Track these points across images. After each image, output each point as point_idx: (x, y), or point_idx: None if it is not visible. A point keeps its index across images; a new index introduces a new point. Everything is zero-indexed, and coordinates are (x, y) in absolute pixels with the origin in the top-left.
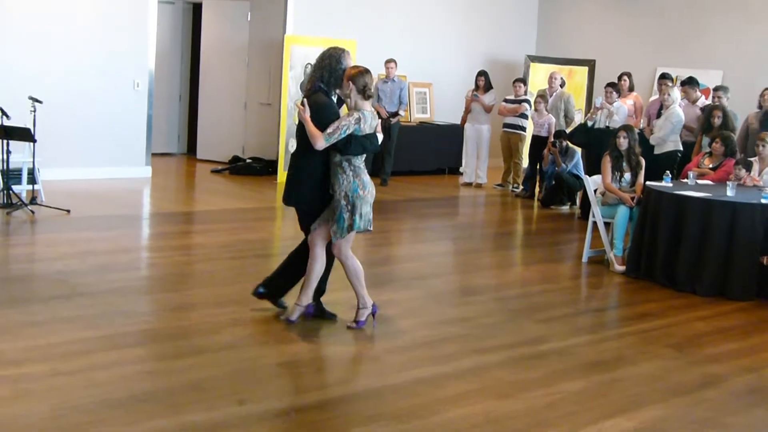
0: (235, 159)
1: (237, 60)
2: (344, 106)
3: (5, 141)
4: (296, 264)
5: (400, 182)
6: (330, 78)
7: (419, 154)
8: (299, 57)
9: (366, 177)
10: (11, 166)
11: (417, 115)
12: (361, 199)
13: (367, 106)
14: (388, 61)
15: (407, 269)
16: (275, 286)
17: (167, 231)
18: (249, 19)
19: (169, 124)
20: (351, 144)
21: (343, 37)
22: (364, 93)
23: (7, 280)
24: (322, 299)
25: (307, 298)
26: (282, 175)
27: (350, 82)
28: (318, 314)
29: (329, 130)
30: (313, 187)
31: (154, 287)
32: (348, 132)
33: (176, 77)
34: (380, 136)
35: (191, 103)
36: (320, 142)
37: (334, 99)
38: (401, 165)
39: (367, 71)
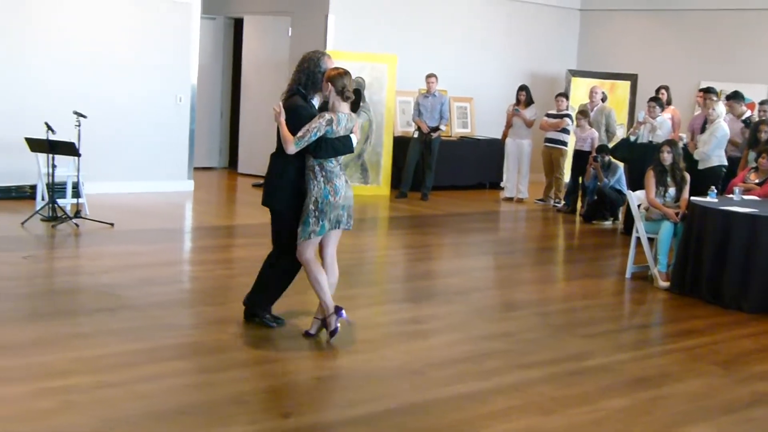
0: None
1: (278, 75)
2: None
3: (51, 155)
4: (266, 274)
5: (441, 197)
6: (308, 81)
7: (460, 168)
8: None
9: (339, 181)
10: (56, 180)
11: (458, 130)
12: (331, 206)
13: (345, 108)
14: (428, 76)
15: (449, 284)
16: (252, 303)
17: (209, 245)
18: (290, 34)
19: (210, 138)
20: (321, 147)
21: (383, 51)
22: (343, 95)
23: (53, 292)
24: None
25: (326, 309)
26: None
27: (329, 84)
28: (266, 322)
29: (300, 134)
30: (287, 190)
31: (196, 300)
32: (318, 135)
33: (218, 92)
34: (355, 138)
35: (232, 118)
36: (290, 146)
37: (316, 103)
38: (442, 180)
39: (346, 73)
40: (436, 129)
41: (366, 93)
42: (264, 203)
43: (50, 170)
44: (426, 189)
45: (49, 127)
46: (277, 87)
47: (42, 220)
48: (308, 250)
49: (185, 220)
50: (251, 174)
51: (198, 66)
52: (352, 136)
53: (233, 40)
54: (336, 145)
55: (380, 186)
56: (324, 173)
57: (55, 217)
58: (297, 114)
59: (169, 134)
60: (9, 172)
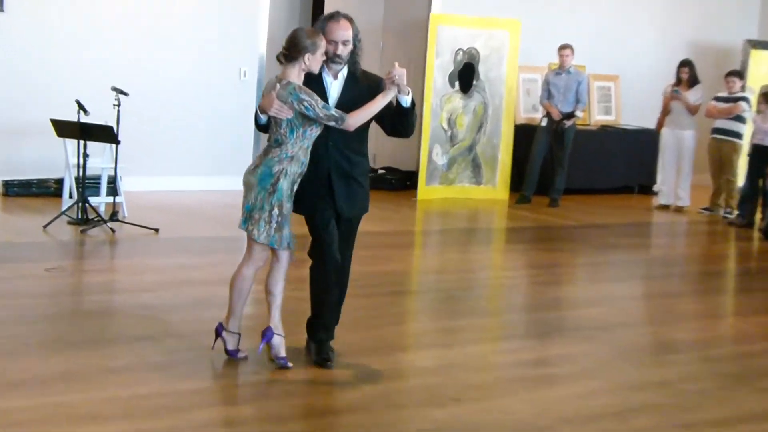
0: None
1: (368, 45)
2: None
3: (82, 142)
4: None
5: (575, 203)
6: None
7: (600, 167)
8: (448, 41)
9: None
10: (88, 173)
11: (598, 117)
12: None
13: (284, 74)
14: (562, 48)
15: (585, 316)
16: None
17: None
18: None
19: None
20: None
21: (503, 15)
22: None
23: (83, 314)
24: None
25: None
26: (425, 190)
27: None
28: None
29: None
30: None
31: (260, 329)
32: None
33: None
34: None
35: None
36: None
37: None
38: (577, 181)
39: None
40: (571, 115)
41: (480, 68)
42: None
43: (81, 161)
44: (556, 193)
45: (81, 107)
46: (367, 60)
47: (69, 223)
48: None
49: None
50: None
51: (267, 33)
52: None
53: (312, 1)
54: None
55: (496, 188)
56: None
57: (85, 220)
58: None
59: (229, 118)
60: (30, 162)
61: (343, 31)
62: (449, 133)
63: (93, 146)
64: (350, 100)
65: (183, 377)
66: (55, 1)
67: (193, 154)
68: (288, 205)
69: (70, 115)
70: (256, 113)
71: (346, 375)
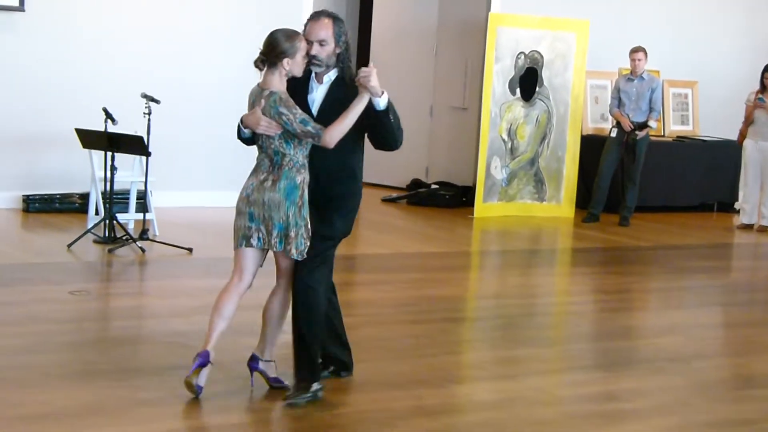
0: (416, 184)
1: (421, 48)
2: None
3: (109, 153)
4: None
5: (648, 222)
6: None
7: (676, 182)
8: (508, 44)
9: (252, 180)
10: (116, 188)
11: (674, 127)
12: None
13: (263, 81)
14: (634, 51)
15: (658, 346)
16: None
17: None
18: None
19: None
20: None
21: (570, 15)
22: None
23: (109, 342)
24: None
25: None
26: (482, 207)
27: None
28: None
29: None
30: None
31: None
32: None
33: None
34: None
35: None
36: None
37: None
38: (650, 197)
39: None
40: (644, 126)
41: (544, 74)
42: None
43: (108, 174)
44: (626, 211)
45: (108, 115)
46: (419, 64)
47: (96, 242)
48: None
49: None
50: (381, 184)
51: None
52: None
53: (360, 1)
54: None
55: (561, 205)
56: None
57: (113, 239)
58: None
59: None
60: (53, 175)
61: (320, 31)
62: (509, 144)
63: (121, 158)
64: (332, 106)
65: (217, 411)
66: (79, 0)
67: (228, 167)
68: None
69: (97, 124)
70: (239, 126)
71: (398, 408)
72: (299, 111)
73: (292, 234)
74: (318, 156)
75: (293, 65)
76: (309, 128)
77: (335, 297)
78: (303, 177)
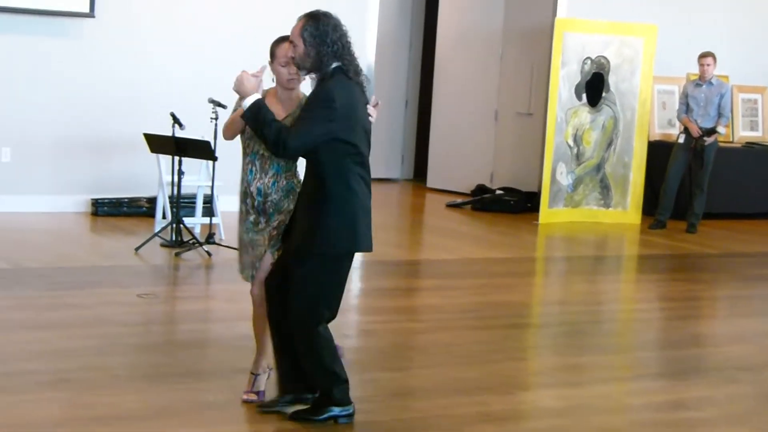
0: (481, 189)
1: (487, 53)
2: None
3: (177, 158)
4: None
5: (716, 229)
6: (344, 49)
7: (744, 189)
8: (574, 49)
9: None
10: (183, 192)
11: (743, 134)
12: None
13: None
14: (703, 56)
15: (727, 355)
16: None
17: (386, 286)
18: None
19: (390, 139)
20: None
21: (637, 20)
22: None
23: (176, 345)
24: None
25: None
26: (547, 213)
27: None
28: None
29: None
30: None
31: (369, 363)
32: None
33: (402, 76)
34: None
35: (421, 112)
36: None
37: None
38: (717, 204)
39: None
40: (712, 132)
41: (610, 79)
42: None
43: (175, 178)
44: (694, 217)
45: (176, 120)
46: (485, 69)
47: (163, 245)
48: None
49: None
50: (445, 190)
51: (376, 39)
52: None
53: (425, 4)
54: None
55: (627, 211)
56: None
57: (180, 242)
58: None
59: None
60: (121, 179)
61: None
62: (575, 150)
63: (188, 163)
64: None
65: (282, 415)
66: (150, 6)
67: None
68: None
69: (165, 129)
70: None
71: (464, 415)
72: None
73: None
74: None
75: (274, 70)
76: None
77: None
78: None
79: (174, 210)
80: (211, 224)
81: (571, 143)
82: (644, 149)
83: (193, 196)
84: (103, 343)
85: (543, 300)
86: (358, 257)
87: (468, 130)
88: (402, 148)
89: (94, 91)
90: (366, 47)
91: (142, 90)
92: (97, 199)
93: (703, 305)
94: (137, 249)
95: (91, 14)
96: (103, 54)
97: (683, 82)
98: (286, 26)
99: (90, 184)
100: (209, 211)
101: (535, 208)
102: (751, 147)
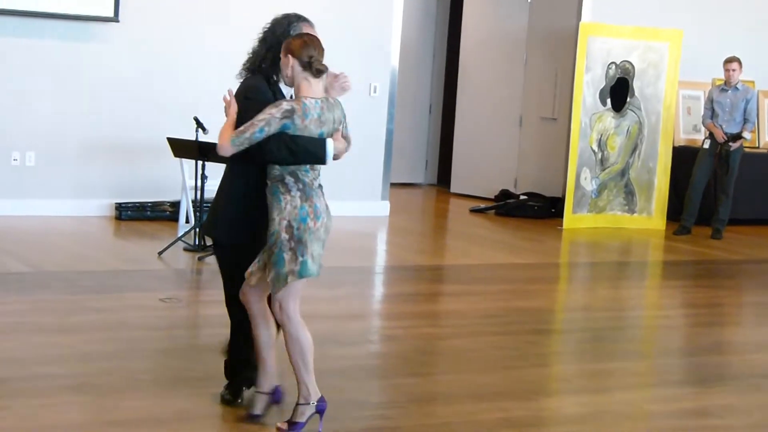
0: (505, 195)
1: (511, 58)
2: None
3: (200, 163)
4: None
5: (742, 235)
6: (275, 55)
7: None
8: (599, 53)
9: (320, 202)
10: (206, 196)
11: None
12: (311, 233)
13: (318, 90)
14: (729, 61)
15: (753, 362)
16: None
17: (410, 291)
18: (529, 1)
19: (414, 143)
20: (271, 146)
21: (662, 24)
22: (311, 67)
23: (199, 349)
24: None
25: (269, 383)
26: (571, 218)
27: (289, 56)
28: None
29: (240, 128)
30: (233, 210)
31: (392, 368)
32: (267, 132)
33: (426, 80)
34: (331, 146)
35: (445, 117)
36: (225, 145)
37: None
38: (743, 210)
39: (313, 40)
40: (738, 137)
41: (635, 84)
42: (204, 233)
43: (199, 183)
44: (719, 223)
45: (199, 125)
46: (509, 74)
47: (186, 249)
48: (290, 304)
49: (377, 256)
50: (469, 195)
51: (400, 44)
52: (329, 142)
53: (450, 8)
54: (295, 147)
55: (652, 217)
56: (300, 186)
57: (203, 247)
58: (254, 100)
59: (357, 137)
60: (144, 183)
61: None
62: (599, 155)
63: (211, 167)
64: None
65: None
66: (174, 11)
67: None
68: None
69: (188, 133)
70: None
71: (485, 420)
72: None
73: None
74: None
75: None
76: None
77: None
78: None
79: (197, 214)
80: None
81: (596, 148)
82: (669, 154)
83: None
84: (125, 348)
85: (566, 306)
86: (380, 265)
87: (492, 135)
88: (426, 153)
89: (118, 96)
90: (390, 52)
91: (166, 94)
92: (120, 203)
93: (728, 312)
94: (160, 253)
95: (115, 18)
96: (126, 58)
97: (708, 87)
98: (324, 24)
99: (113, 189)
100: None
101: (559, 213)
102: None
